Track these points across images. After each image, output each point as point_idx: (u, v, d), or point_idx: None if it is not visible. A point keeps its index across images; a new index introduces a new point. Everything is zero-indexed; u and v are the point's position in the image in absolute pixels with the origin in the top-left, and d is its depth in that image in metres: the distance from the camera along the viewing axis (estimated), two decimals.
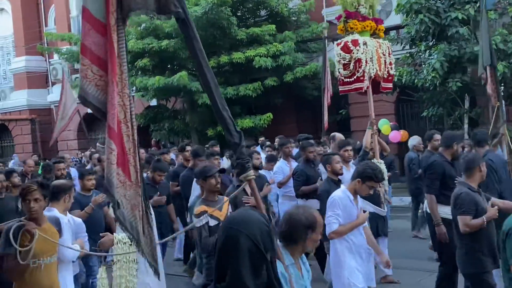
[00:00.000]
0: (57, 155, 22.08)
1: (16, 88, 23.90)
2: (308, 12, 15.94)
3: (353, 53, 6.85)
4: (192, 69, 15.16)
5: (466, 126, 11.38)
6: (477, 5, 10.77)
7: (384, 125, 13.35)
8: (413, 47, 11.97)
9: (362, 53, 6.83)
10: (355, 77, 6.92)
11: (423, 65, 11.66)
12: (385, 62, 7.26)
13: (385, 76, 7.36)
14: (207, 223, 4.68)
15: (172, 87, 14.22)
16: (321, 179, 6.97)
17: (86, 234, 5.37)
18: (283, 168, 7.96)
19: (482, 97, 11.62)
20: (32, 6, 23.88)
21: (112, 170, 2.96)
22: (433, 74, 10.72)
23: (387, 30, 14.41)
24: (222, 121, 3.11)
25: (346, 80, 7.02)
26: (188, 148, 9.36)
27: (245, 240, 2.02)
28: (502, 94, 11.43)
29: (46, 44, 21.43)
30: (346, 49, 6.93)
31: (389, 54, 7.36)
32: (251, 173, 3.07)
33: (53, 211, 5.06)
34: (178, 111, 16.92)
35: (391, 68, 7.42)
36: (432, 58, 10.98)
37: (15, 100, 23.66)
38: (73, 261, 5.16)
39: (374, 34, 7.32)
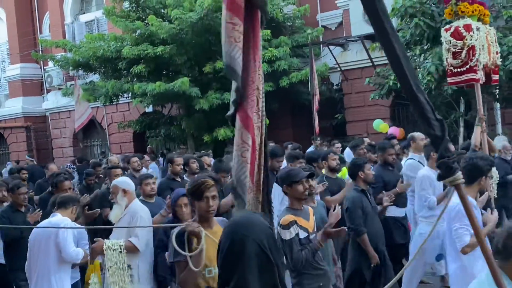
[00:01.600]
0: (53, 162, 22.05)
1: (11, 95, 23.84)
2: (303, 17, 15.98)
3: (466, 39, 5.97)
4: (188, 75, 15.16)
5: (462, 129, 11.40)
6: None
7: (380, 124, 13.42)
8: (408, 51, 11.99)
9: (476, 40, 6.00)
10: (467, 66, 6.03)
11: (418, 69, 11.68)
12: (493, 51, 6.44)
13: (493, 67, 6.58)
14: (297, 235, 4.23)
15: (171, 93, 14.20)
16: (402, 182, 6.68)
17: (88, 242, 5.41)
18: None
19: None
20: (26, 13, 23.86)
21: (245, 169, 2.48)
22: (428, 78, 10.73)
23: None
24: (416, 105, 2.20)
25: (456, 70, 6.12)
26: (178, 159, 9.34)
27: (252, 244, 1.95)
28: (497, 97, 11.49)
29: (40, 51, 21.39)
30: (457, 35, 6.04)
31: (495, 42, 6.59)
32: (460, 175, 2.20)
33: (56, 216, 5.11)
34: (174, 117, 16.90)
35: (498, 58, 6.63)
36: (427, 62, 11.00)
37: (10, 107, 23.59)
38: (72, 267, 5.19)
39: (479, 20, 6.42)
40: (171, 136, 16.53)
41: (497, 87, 11.10)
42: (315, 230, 4.45)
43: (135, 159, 9.49)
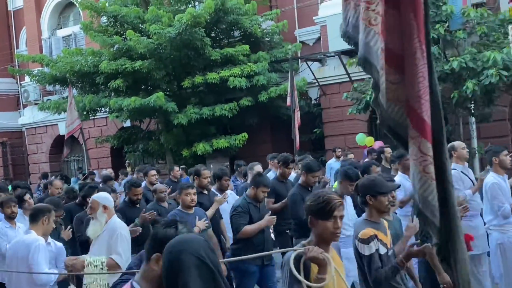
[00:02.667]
0: (29, 178, 21.73)
1: None
2: (281, 32, 16.11)
3: None
4: (166, 90, 15.13)
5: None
6: (447, 24, 11.02)
7: (365, 138, 13.53)
8: None
9: None
10: None
11: None
12: None
13: None
14: (377, 250, 3.89)
15: (147, 108, 14.16)
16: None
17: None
18: (404, 183, 6.48)
19: (453, 115, 11.85)
20: (3, 28, 23.64)
21: (432, 187, 2.02)
22: None
23: None
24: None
25: None
26: (153, 172, 9.25)
27: (188, 256, 2.04)
28: (473, 112, 11.69)
29: (17, 66, 21.16)
30: None
31: None
32: None
33: (30, 233, 5.00)
34: (152, 132, 16.83)
35: None
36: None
37: None
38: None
39: None
40: (150, 151, 16.44)
41: (472, 102, 11.30)
42: (392, 245, 4.15)
43: (153, 172, 9.26)
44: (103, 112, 16.91)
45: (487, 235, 6.36)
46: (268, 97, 14.52)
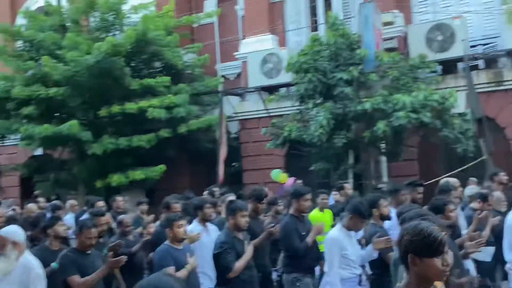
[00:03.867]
0: None
1: None
2: (203, 66, 16.22)
3: None
4: (82, 118, 14.69)
5: (351, 180, 11.93)
6: (360, 67, 11.56)
7: (280, 174, 13.72)
8: (302, 104, 12.50)
9: None
10: None
11: (311, 122, 12.18)
12: None
13: None
14: None
15: (61, 136, 13.66)
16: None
17: None
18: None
19: (365, 154, 12.34)
20: None
21: None
22: (320, 131, 11.19)
23: (277, 87, 15.10)
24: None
25: None
26: (73, 201, 8.94)
27: None
28: (384, 151, 12.23)
29: None
30: None
31: None
32: None
33: None
34: (65, 161, 16.21)
35: None
36: (319, 115, 11.48)
37: None
38: None
39: None
40: (61, 181, 15.81)
41: (383, 142, 11.82)
42: None
43: (121, 198, 9.28)
44: (13, 140, 16.14)
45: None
46: (188, 129, 14.46)
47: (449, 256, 4.00)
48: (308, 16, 15.87)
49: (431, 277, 2.71)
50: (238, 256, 5.54)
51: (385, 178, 12.76)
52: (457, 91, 12.03)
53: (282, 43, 15.77)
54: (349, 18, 14.64)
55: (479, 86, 12.79)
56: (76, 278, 5.17)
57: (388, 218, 5.94)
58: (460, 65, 13.46)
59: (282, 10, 15.95)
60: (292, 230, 5.82)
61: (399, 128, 10.80)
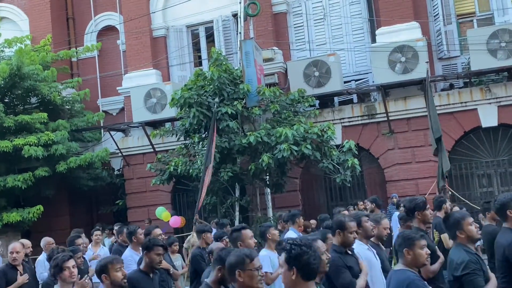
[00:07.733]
0: None
1: None
2: (83, 101, 15.71)
3: None
4: None
5: (237, 213, 12.04)
6: (244, 101, 11.84)
7: (163, 212, 13.48)
8: (188, 138, 12.50)
9: None
10: None
11: (197, 156, 12.19)
12: None
13: None
14: None
15: None
16: None
17: None
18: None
19: (250, 186, 12.55)
20: None
21: None
22: None
23: (162, 122, 14.98)
24: None
25: None
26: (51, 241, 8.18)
27: None
28: (268, 183, 12.51)
29: None
30: None
31: None
32: None
33: None
34: None
35: None
36: (205, 150, 11.55)
37: None
38: None
39: None
40: None
41: (268, 174, 12.11)
42: None
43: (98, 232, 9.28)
44: None
45: None
46: (67, 167, 13.84)
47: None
48: (191, 52, 16.03)
49: None
50: None
51: (270, 210, 13.02)
52: (334, 124, 12.71)
53: (166, 77, 15.75)
54: (231, 54, 15.02)
55: (353, 119, 13.65)
56: None
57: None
58: (335, 99, 14.30)
59: (165, 45, 15.98)
60: (341, 266, 5.25)
61: (282, 160, 11.14)
